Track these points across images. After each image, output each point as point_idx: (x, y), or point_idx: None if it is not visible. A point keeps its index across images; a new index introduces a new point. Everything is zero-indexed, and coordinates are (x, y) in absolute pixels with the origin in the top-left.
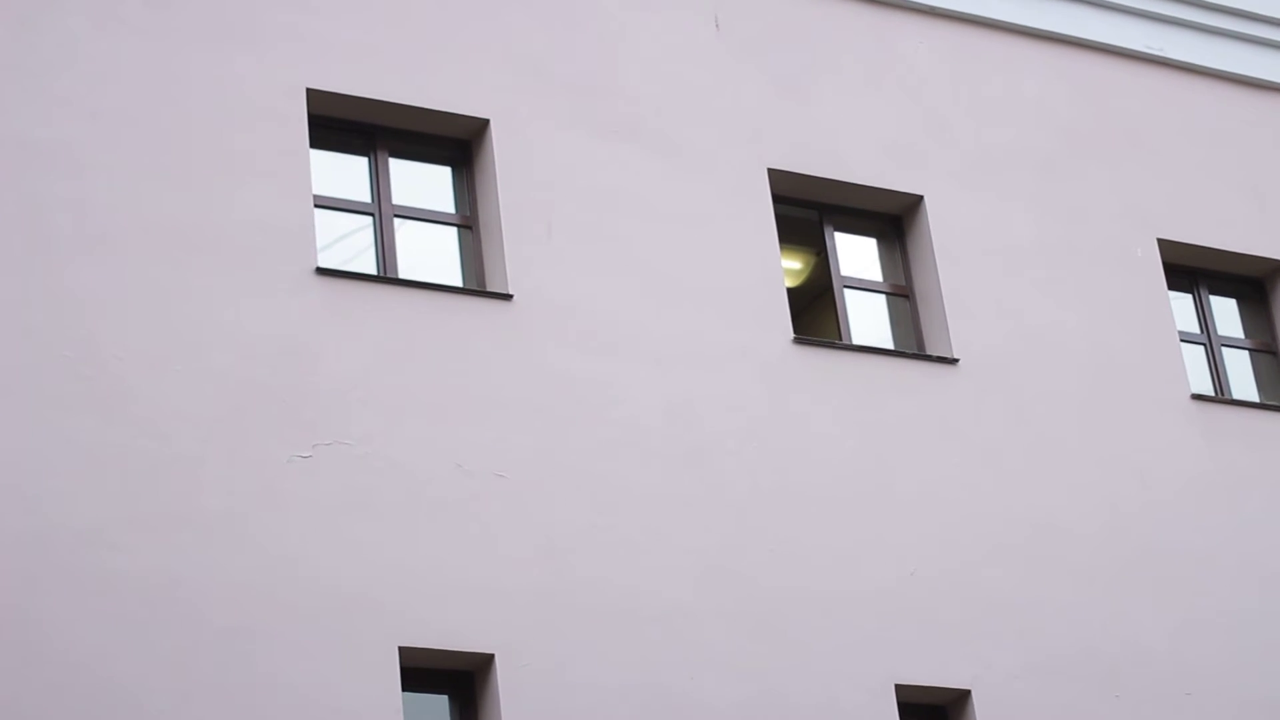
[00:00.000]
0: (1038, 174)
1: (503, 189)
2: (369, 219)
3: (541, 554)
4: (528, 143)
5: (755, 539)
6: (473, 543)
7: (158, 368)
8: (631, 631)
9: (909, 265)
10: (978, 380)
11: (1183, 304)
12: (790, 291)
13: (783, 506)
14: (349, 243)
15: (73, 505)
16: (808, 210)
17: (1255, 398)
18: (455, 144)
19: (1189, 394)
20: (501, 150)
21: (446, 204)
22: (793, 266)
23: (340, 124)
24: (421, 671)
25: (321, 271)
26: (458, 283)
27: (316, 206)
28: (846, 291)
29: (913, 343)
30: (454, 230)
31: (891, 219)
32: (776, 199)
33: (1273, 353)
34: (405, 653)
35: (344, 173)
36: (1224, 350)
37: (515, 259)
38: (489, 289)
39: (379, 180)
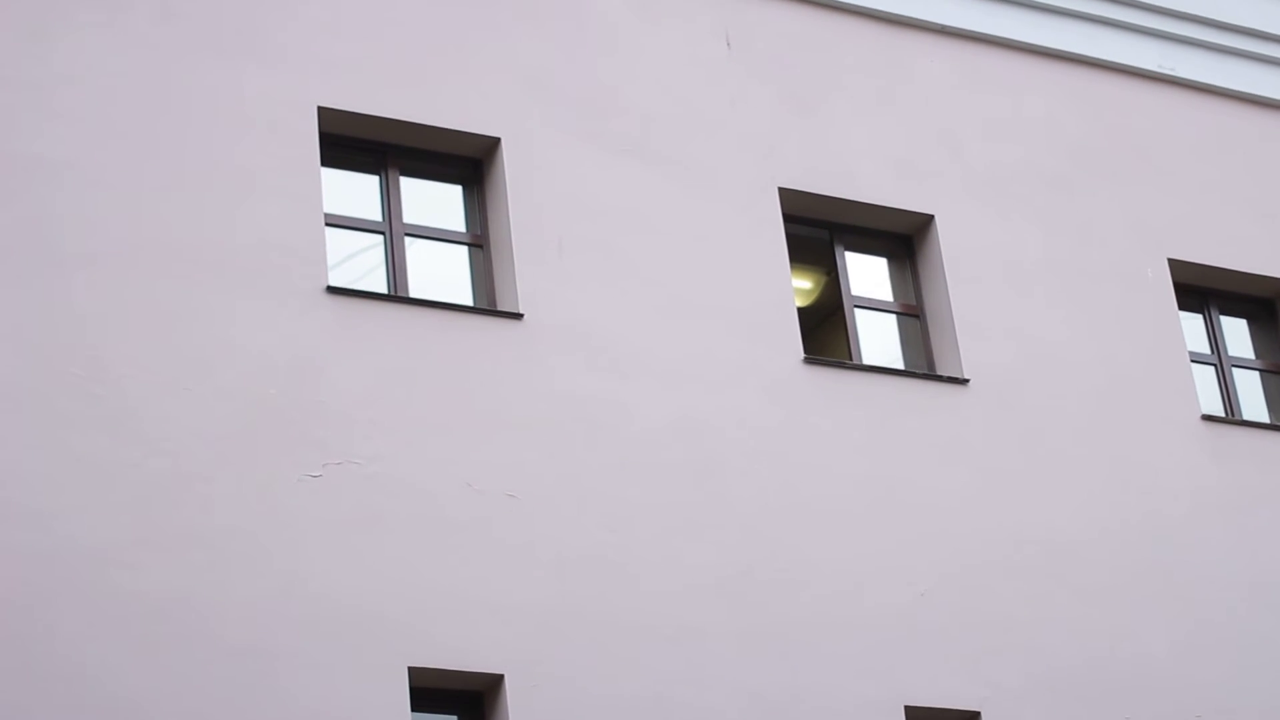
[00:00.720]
0: (1049, 193)
1: (513, 208)
2: (380, 237)
3: (551, 573)
4: (539, 161)
5: (765, 559)
6: (483, 562)
7: (168, 386)
8: (642, 651)
9: (919, 285)
10: (988, 400)
11: (1193, 324)
12: (801, 311)
13: (793, 526)
14: (360, 261)
15: (83, 524)
16: (818, 229)
17: (1266, 418)
18: (466, 162)
19: (1199, 414)
20: (512, 169)
21: (457, 222)
22: (803, 286)
23: (351, 142)
24: (431, 691)
25: (332, 290)
26: (468, 301)
27: (327, 225)
28: (857, 311)
29: (923, 363)
30: (465, 249)
31: (902, 238)
32: (787, 218)
33: None
34: (415, 673)
35: (355, 191)
36: (1234, 371)
37: (526, 278)
38: (499, 308)
39: (390, 198)
